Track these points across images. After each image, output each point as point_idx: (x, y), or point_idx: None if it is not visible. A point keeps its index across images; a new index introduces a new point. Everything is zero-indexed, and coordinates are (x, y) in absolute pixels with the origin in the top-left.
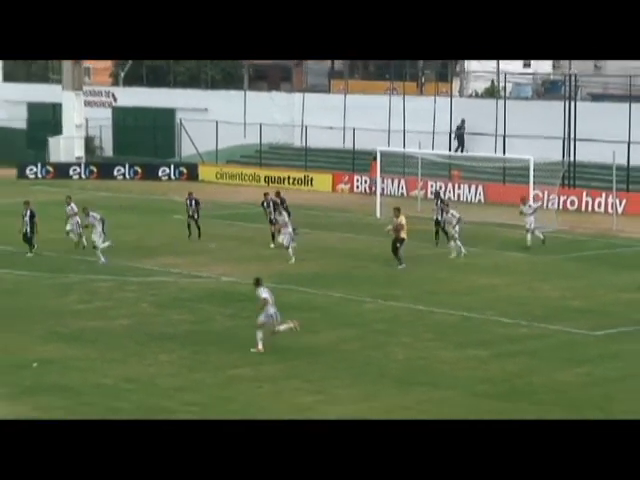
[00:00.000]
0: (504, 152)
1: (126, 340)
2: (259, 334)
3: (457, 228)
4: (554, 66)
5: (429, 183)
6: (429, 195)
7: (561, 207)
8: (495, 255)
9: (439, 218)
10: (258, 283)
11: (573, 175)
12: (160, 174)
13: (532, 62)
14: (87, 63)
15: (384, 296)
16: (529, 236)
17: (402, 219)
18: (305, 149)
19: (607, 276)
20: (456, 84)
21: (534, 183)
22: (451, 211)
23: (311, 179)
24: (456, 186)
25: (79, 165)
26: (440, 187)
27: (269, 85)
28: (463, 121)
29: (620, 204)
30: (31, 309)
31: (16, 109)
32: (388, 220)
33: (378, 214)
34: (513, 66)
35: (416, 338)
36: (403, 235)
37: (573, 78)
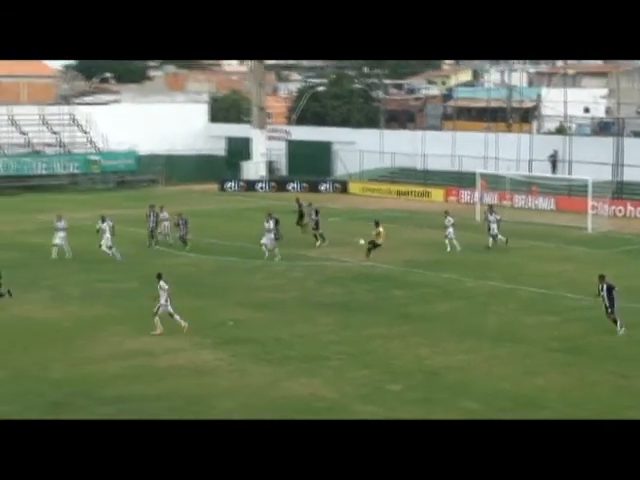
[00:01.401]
0: (569, 173)
1: (296, 307)
2: (157, 319)
3: (451, 230)
4: (607, 111)
5: (515, 196)
6: (514, 204)
7: (611, 214)
8: (563, 249)
9: (491, 225)
10: (159, 277)
11: (620, 190)
12: (320, 188)
13: (590, 108)
14: (269, 109)
15: (481, 277)
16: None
17: (379, 229)
18: (424, 171)
19: None
20: (534, 124)
21: (592, 196)
22: (448, 217)
23: (428, 192)
24: (534, 198)
25: (263, 181)
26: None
27: (399, 124)
28: (556, 151)
29: None
30: (228, 284)
31: (218, 142)
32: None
33: (477, 218)
34: (577, 111)
35: (506, 308)
36: (379, 241)
37: (621, 120)
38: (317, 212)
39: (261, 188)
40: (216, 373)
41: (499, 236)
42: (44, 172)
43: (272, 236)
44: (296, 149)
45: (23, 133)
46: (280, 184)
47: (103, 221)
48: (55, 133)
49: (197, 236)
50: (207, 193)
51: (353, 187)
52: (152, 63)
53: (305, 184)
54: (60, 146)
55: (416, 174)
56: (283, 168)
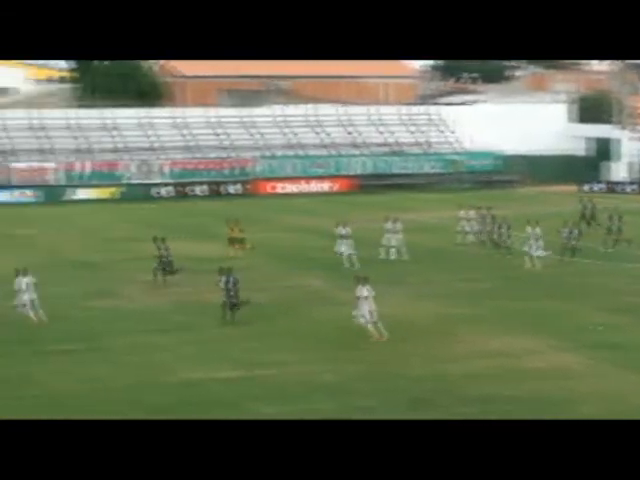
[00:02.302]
0: None
1: None
2: (362, 324)
3: None
4: None
5: None
6: None
7: None
8: None
9: None
10: (359, 281)
11: None
12: None
13: None
14: (637, 109)
15: None
16: None
17: None
18: None
19: None
20: None
21: None
22: None
23: None
24: None
25: (628, 183)
26: None
27: None
28: None
29: None
30: (590, 287)
31: (578, 142)
32: None
33: None
34: None
35: None
36: None
37: None
38: (620, 218)
39: (625, 189)
40: (576, 377)
41: None
42: (405, 171)
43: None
44: None
45: (384, 132)
46: None
47: (344, 227)
48: (416, 132)
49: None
50: (566, 194)
51: None
52: (514, 63)
53: None
54: (421, 145)
55: None
56: None
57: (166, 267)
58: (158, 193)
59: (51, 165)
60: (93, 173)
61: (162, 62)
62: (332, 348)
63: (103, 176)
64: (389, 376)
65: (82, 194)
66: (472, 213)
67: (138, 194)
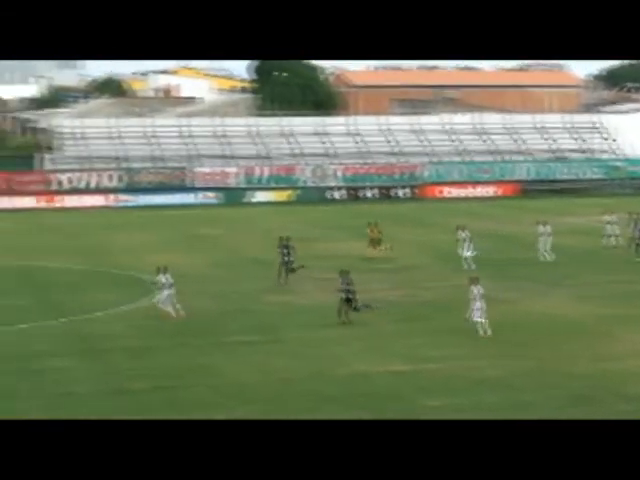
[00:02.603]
0: None
1: None
2: (475, 320)
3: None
4: None
5: None
6: None
7: None
8: None
9: None
10: (472, 281)
11: None
12: None
13: None
14: None
15: None
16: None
17: None
18: None
19: None
20: None
21: None
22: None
23: None
24: None
25: None
26: None
27: None
28: None
29: None
30: None
31: None
32: None
33: None
34: None
35: None
36: None
37: None
38: None
39: None
40: None
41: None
42: (567, 177)
43: None
44: None
45: (548, 140)
46: None
47: (463, 230)
48: (579, 140)
49: None
50: None
51: None
52: None
53: None
54: (583, 152)
55: None
56: None
57: (288, 265)
58: (332, 196)
59: (232, 170)
60: (271, 177)
61: (337, 73)
62: (494, 345)
63: (280, 180)
64: (549, 372)
65: (260, 197)
66: (615, 217)
67: (313, 197)
